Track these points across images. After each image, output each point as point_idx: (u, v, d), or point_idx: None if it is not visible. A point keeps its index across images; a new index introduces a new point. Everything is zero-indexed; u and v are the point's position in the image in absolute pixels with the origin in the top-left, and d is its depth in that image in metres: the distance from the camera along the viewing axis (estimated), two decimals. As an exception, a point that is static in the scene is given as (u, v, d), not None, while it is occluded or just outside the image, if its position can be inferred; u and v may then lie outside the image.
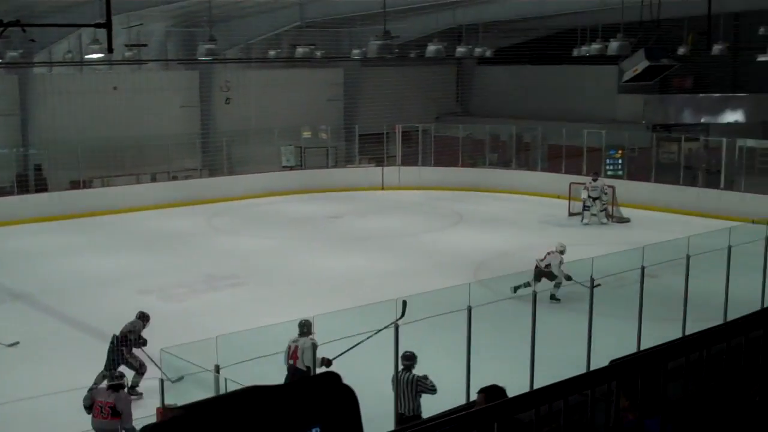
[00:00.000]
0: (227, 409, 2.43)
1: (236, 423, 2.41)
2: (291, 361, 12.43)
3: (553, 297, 17.50)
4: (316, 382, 2.69)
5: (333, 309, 13.20)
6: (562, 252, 18.21)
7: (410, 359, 11.23)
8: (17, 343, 15.26)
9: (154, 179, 32.17)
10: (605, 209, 27.16)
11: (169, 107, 33.99)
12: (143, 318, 14.40)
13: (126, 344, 13.68)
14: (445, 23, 31.63)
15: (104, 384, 11.50)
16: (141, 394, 13.02)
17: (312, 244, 24.62)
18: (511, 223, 27.42)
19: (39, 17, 25.22)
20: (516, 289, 16.72)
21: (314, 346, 11.51)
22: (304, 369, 11.99)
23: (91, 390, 11.32)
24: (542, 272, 17.95)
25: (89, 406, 10.79)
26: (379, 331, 10.65)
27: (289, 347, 12.43)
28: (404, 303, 11.05)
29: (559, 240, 19.45)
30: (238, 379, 9.07)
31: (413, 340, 11.16)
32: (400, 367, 11.09)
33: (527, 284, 16.65)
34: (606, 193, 27.17)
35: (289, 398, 2.55)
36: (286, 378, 12.35)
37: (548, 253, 18.33)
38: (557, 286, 17.63)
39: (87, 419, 11.09)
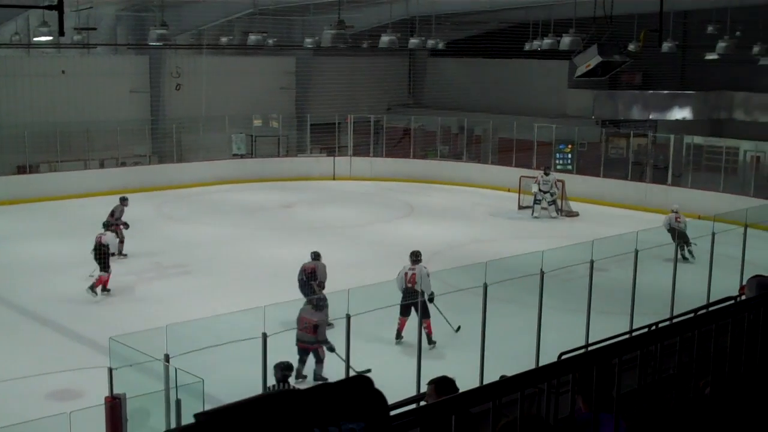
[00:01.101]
0: (259, 414, 2.41)
1: (267, 428, 2.39)
2: (409, 285, 15.01)
3: None
4: (348, 385, 2.66)
5: (283, 299, 13.15)
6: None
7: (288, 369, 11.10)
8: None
9: (102, 165, 31.74)
10: (554, 203, 27.40)
11: (119, 92, 33.52)
12: (123, 201, 20.42)
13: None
14: (399, 14, 31.61)
15: None
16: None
17: (262, 233, 24.51)
18: (461, 216, 27.54)
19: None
20: None
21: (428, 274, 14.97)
22: (420, 291, 14.39)
23: None
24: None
25: None
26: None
27: (406, 273, 15.32)
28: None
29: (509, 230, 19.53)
30: (187, 368, 9.01)
31: (363, 332, 11.18)
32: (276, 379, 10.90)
33: None
34: (557, 188, 27.41)
35: (319, 402, 2.52)
36: (402, 299, 15.02)
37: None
38: None
39: (25, 409, 10.95)
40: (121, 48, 34.03)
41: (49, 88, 31.65)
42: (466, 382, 5.44)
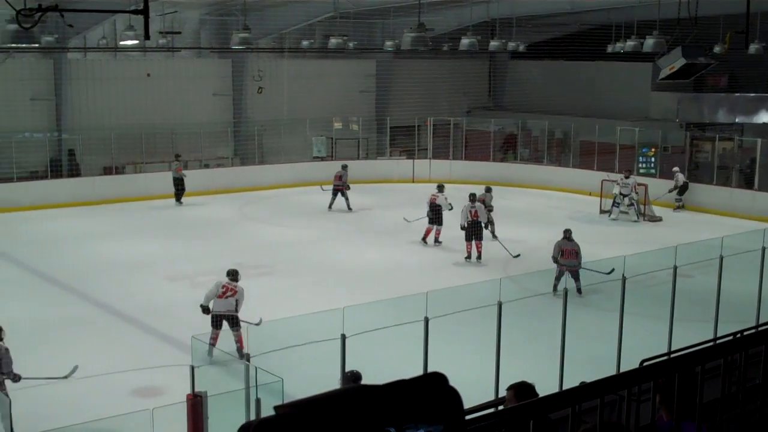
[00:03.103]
0: (336, 408, 2.43)
1: (344, 422, 2.42)
2: (474, 219, 21.35)
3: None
4: (423, 382, 2.67)
5: (362, 301, 13.22)
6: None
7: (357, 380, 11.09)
8: (76, 368, 14.63)
9: (185, 167, 32.30)
10: (633, 206, 26.96)
11: (202, 95, 34.11)
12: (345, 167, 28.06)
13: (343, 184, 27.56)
14: (479, 16, 31.51)
15: None
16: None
17: (341, 236, 24.64)
18: (541, 219, 27.29)
19: (75, 2, 25.35)
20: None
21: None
22: (484, 221, 21.63)
23: None
24: None
25: None
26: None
27: (469, 210, 21.50)
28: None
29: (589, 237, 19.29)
30: (267, 367, 9.10)
31: (442, 334, 11.15)
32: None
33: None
34: (636, 192, 26.98)
35: (395, 398, 2.54)
36: (467, 234, 21.51)
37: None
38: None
39: (110, 404, 11.19)
40: (204, 51, 34.59)
41: (135, 91, 32.37)
42: (545, 387, 5.40)
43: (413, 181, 33.96)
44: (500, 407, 6.53)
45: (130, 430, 9.81)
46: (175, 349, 14.38)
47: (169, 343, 14.97)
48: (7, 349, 12.07)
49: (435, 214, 23.04)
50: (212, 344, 13.79)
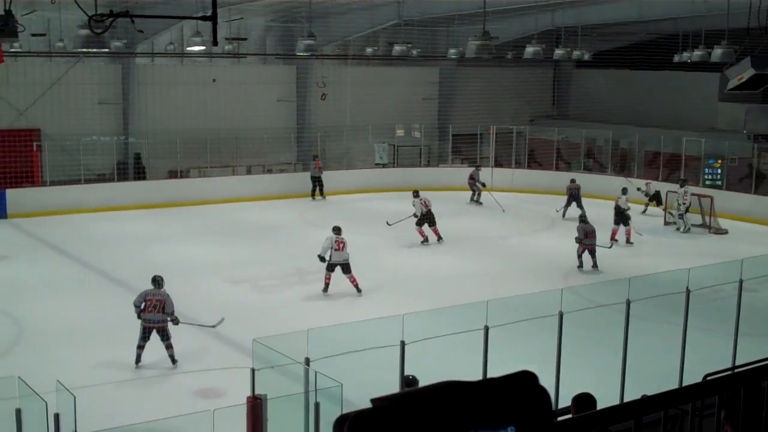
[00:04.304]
0: (432, 403, 2.46)
1: (435, 417, 2.44)
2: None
3: None
4: (513, 380, 2.67)
5: (420, 309, 13.21)
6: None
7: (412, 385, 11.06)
8: (222, 319, 15.67)
9: (249, 171, 32.66)
10: (682, 216, 26.50)
11: (266, 101, 34.44)
12: (478, 167, 31.45)
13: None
14: (544, 25, 31.36)
15: None
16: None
17: (402, 242, 24.64)
18: (604, 230, 27.00)
19: (143, 8, 25.81)
20: None
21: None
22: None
23: None
24: None
25: None
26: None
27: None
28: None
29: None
30: (326, 372, 9.15)
31: (501, 344, 11.10)
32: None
33: None
34: (684, 200, 26.53)
35: (486, 395, 2.55)
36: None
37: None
38: None
39: (171, 405, 11.33)
40: (269, 58, 34.92)
41: (201, 96, 32.81)
42: (606, 400, 5.35)
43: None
44: (560, 418, 6.49)
45: (191, 430, 9.93)
46: (235, 352, 14.53)
47: (229, 345, 15.12)
48: (168, 295, 14.31)
49: (429, 217, 24.35)
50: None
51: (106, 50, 26.37)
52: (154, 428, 10.24)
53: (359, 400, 2.71)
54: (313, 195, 31.48)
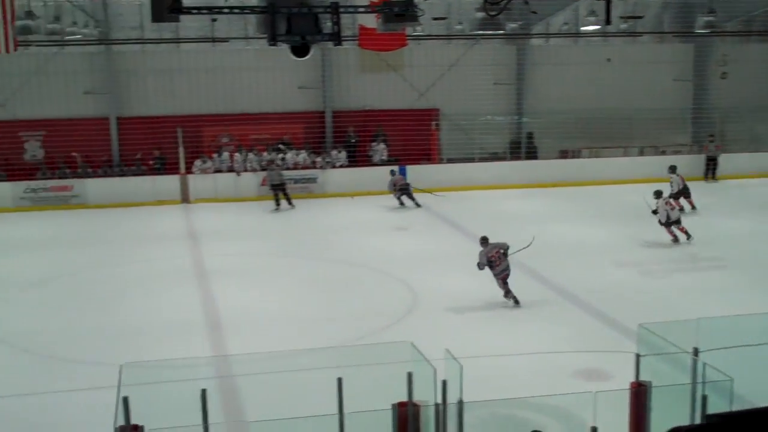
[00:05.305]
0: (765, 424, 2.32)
1: None
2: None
3: None
4: None
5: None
6: None
7: None
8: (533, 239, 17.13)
9: (641, 153, 31.90)
10: None
11: (661, 81, 33.33)
12: None
13: None
14: None
15: None
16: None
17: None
18: None
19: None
20: None
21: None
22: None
23: None
24: None
25: None
26: None
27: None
28: None
29: None
30: (716, 364, 8.69)
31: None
32: None
33: None
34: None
35: None
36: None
37: None
38: None
39: (552, 383, 11.35)
40: (665, 36, 33.79)
41: (594, 76, 32.52)
42: None
43: None
44: None
45: (574, 410, 9.92)
46: (619, 335, 14.28)
47: (613, 328, 14.90)
48: (498, 242, 16.31)
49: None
50: None
51: (502, 32, 27.01)
52: (537, 403, 10.35)
53: (752, 396, 2.52)
54: (705, 177, 30.48)
